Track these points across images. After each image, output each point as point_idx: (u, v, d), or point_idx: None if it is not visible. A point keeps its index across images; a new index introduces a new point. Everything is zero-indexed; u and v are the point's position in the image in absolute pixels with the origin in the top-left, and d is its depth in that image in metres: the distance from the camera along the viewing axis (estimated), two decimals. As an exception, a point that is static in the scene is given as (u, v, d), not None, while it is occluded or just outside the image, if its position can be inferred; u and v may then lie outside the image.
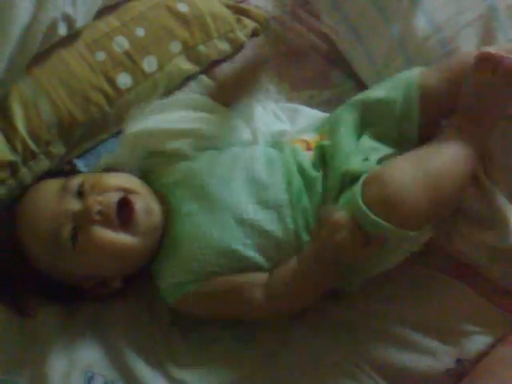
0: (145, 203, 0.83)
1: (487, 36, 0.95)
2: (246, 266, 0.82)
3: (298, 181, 0.85)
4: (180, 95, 1.02)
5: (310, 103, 1.09)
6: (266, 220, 0.83)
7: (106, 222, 0.80)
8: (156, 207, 0.84)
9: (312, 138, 0.92)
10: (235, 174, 0.86)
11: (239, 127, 0.94)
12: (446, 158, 0.81)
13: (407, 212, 0.76)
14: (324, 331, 0.87)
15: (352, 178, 0.82)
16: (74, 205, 0.81)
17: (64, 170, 0.98)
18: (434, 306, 0.87)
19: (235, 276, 0.82)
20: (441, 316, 0.86)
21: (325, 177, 0.85)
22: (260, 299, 0.81)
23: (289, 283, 0.80)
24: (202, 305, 0.84)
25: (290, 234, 0.83)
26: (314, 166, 0.87)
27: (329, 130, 0.90)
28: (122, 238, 0.81)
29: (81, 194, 0.82)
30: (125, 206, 0.82)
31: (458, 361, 0.83)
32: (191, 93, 1.07)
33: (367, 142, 0.86)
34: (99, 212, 0.80)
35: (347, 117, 0.89)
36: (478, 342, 0.83)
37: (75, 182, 0.84)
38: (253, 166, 0.86)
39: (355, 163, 0.83)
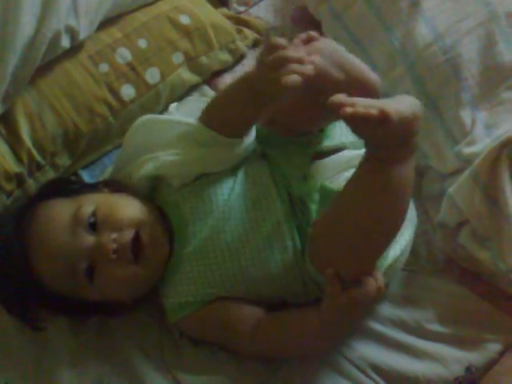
0: (153, 236, 0.83)
1: (488, 43, 0.96)
2: (244, 287, 0.83)
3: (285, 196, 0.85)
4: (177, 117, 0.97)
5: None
6: (264, 240, 0.82)
7: (122, 259, 0.81)
8: (163, 238, 0.85)
9: None
10: (236, 192, 0.85)
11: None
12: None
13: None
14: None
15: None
16: (88, 240, 0.81)
17: (69, 180, 0.98)
18: (444, 312, 0.87)
19: (232, 305, 0.83)
20: (451, 322, 0.86)
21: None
22: (251, 341, 0.83)
23: (297, 332, 0.82)
24: (197, 329, 0.86)
25: (290, 251, 0.83)
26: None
27: None
28: (136, 272, 0.82)
29: (93, 225, 0.82)
30: (136, 239, 0.82)
31: (468, 369, 0.83)
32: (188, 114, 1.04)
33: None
34: (115, 251, 0.80)
35: None
36: (488, 349, 0.83)
37: (87, 211, 0.82)
38: (252, 187, 0.85)
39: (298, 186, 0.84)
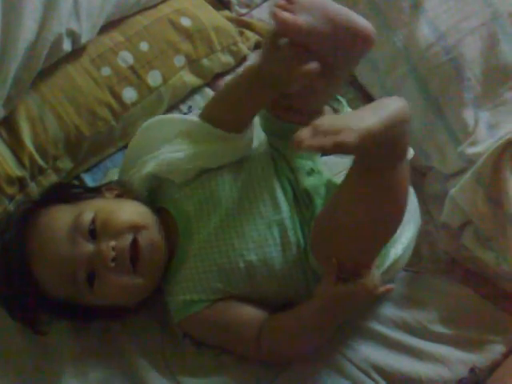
0: (151, 238, 0.83)
1: (491, 43, 0.95)
2: (249, 284, 0.83)
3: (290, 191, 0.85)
4: (178, 116, 0.97)
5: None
6: (267, 235, 0.83)
7: (121, 267, 0.81)
8: (161, 240, 0.85)
9: None
10: (237, 189, 0.85)
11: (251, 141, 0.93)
12: None
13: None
14: (332, 338, 0.86)
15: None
16: (87, 248, 0.81)
17: (71, 184, 0.98)
18: (447, 313, 0.87)
19: (236, 307, 0.83)
20: (454, 323, 0.86)
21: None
22: (256, 345, 0.83)
23: (298, 327, 0.82)
24: (201, 330, 0.86)
25: (293, 247, 0.83)
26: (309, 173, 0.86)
27: None
28: (135, 281, 0.82)
29: (92, 233, 0.82)
30: (134, 245, 0.82)
31: (471, 370, 0.83)
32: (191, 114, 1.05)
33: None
34: (114, 259, 0.80)
35: None
36: (492, 350, 0.83)
37: (86, 218, 0.82)
38: (252, 180, 0.86)
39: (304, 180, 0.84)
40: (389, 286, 0.83)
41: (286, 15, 0.71)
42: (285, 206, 0.83)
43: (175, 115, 0.92)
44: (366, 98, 1.10)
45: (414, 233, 0.88)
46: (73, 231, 0.81)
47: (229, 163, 0.88)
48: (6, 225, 0.87)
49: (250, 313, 0.84)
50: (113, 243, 0.81)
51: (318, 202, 0.83)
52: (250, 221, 0.83)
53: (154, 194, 0.91)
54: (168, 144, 0.87)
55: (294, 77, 0.74)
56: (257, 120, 0.93)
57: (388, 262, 0.83)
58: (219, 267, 0.83)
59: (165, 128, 0.89)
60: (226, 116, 0.84)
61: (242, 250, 0.82)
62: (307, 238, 0.82)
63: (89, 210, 0.83)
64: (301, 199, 0.84)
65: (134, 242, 0.82)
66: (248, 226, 0.83)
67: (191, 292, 0.84)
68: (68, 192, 0.91)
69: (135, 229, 0.82)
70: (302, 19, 0.72)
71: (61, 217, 0.84)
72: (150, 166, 0.87)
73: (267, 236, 0.83)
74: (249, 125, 0.85)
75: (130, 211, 0.85)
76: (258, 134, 0.92)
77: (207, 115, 0.85)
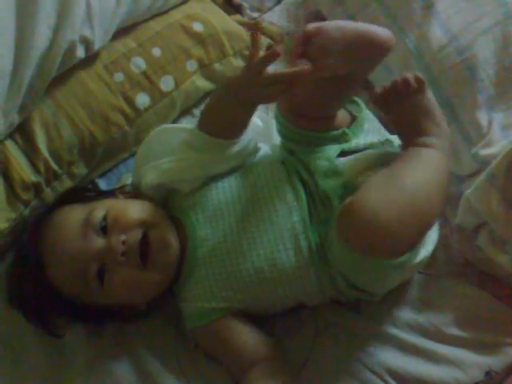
0: (162, 237, 0.84)
1: (504, 43, 0.94)
2: (260, 289, 0.83)
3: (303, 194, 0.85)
4: (180, 126, 0.99)
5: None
6: (278, 240, 0.83)
7: (131, 262, 0.82)
8: (173, 239, 0.85)
9: None
10: (246, 195, 0.86)
11: (257, 144, 0.94)
12: (417, 169, 0.77)
13: (390, 239, 0.69)
14: (346, 342, 0.86)
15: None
16: (98, 243, 0.82)
17: (85, 188, 1.00)
18: (462, 315, 0.86)
19: (241, 329, 0.83)
20: (469, 326, 0.85)
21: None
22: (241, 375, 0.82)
23: None
24: (208, 343, 0.86)
25: (304, 251, 0.82)
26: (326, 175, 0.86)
27: None
28: (146, 276, 0.83)
29: (104, 229, 0.83)
30: (145, 241, 0.83)
31: (487, 373, 0.82)
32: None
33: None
34: (124, 253, 0.81)
35: None
36: (508, 353, 0.82)
37: (98, 215, 0.84)
38: (262, 185, 0.86)
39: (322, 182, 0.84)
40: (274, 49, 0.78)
41: (306, 69, 0.76)
42: (295, 210, 0.83)
43: (177, 125, 0.94)
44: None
45: (437, 236, 0.88)
46: (84, 227, 0.83)
47: (237, 169, 0.89)
48: (22, 228, 0.89)
49: (249, 342, 0.83)
50: (123, 237, 0.82)
51: (336, 203, 0.82)
52: (260, 227, 0.83)
53: (165, 203, 0.92)
54: (168, 154, 0.88)
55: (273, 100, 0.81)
56: (267, 126, 0.94)
57: (417, 260, 0.82)
58: (229, 274, 0.83)
59: (168, 137, 0.90)
60: (218, 125, 0.85)
61: (252, 256, 0.82)
62: (322, 239, 0.82)
63: (101, 208, 0.84)
64: (318, 200, 0.84)
65: (145, 239, 0.82)
66: (258, 232, 0.83)
67: (202, 300, 0.84)
68: (82, 194, 0.93)
69: (145, 225, 0.83)
70: (322, 64, 0.76)
71: (73, 214, 0.86)
72: (152, 176, 0.88)
73: (278, 241, 0.83)
74: (244, 130, 0.87)
75: (142, 209, 0.86)
76: (268, 140, 0.92)
77: (202, 124, 0.87)
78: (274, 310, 0.88)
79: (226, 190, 0.87)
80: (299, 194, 0.84)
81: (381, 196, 0.71)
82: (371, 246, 0.70)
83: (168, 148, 0.89)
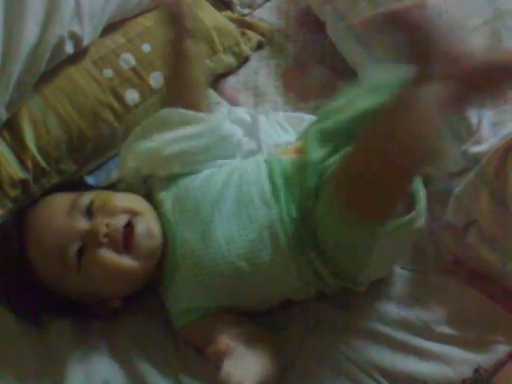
0: (147, 226, 0.84)
1: (494, 40, 0.95)
2: (243, 288, 0.83)
3: (284, 192, 0.84)
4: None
5: (317, 113, 1.08)
6: (256, 239, 0.82)
7: (112, 246, 0.82)
8: (157, 229, 0.85)
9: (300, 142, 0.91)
10: (227, 193, 0.85)
11: (242, 138, 0.94)
12: None
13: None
14: (334, 340, 0.86)
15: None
16: (82, 224, 0.83)
17: (73, 181, 1.00)
18: (450, 312, 0.86)
19: (228, 324, 0.82)
20: (458, 323, 0.85)
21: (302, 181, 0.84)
22: None
23: None
24: (196, 341, 0.85)
25: (284, 249, 0.82)
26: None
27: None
28: (125, 262, 0.82)
29: (89, 212, 0.84)
30: (129, 228, 0.83)
31: (476, 370, 0.82)
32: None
33: None
34: (106, 235, 0.81)
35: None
36: (496, 350, 0.82)
37: (85, 199, 0.85)
38: (243, 184, 0.86)
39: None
40: None
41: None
42: (275, 208, 0.83)
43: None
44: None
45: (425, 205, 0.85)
46: (71, 207, 0.84)
47: (226, 166, 0.89)
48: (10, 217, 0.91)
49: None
50: (107, 220, 0.82)
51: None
52: (238, 225, 0.83)
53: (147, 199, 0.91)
54: (149, 137, 0.90)
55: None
56: (254, 122, 0.94)
57: (422, 205, 0.81)
58: (210, 275, 0.83)
59: (148, 125, 0.92)
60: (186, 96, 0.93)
61: (231, 256, 0.82)
62: (304, 232, 0.82)
63: (88, 195, 0.85)
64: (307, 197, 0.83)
65: (129, 227, 0.83)
66: (237, 230, 0.83)
67: (187, 300, 0.84)
68: (70, 188, 0.92)
69: (131, 213, 0.84)
70: None
71: (61, 198, 0.87)
72: (128, 160, 0.90)
73: (257, 241, 0.82)
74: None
75: (129, 199, 0.87)
76: (255, 136, 0.93)
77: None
78: (261, 306, 0.88)
79: (203, 187, 0.87)
80: (279, 192, 0.84)
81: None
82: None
83: (148, 134, 0.90)
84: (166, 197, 0.88)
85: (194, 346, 0.86)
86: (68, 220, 0.83)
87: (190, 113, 0.90)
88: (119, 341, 0.88)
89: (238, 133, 0.94)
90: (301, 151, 0.87)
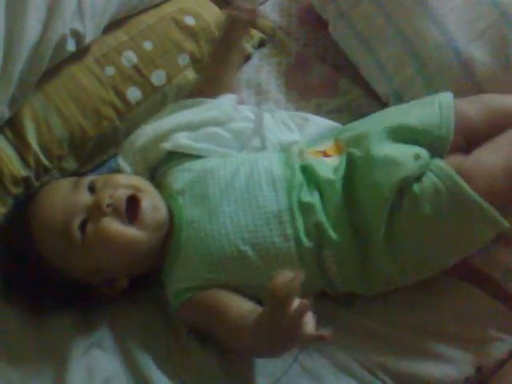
0: (152, 201, 0.85)
1: (500, 44, 0.95)
2: (244, 272, 0.83)
3: (300, 185, 0.85)
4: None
5: (319, 111, 1.08)
6: (263, 226, 0.83)
7: (116, 215, 0.82)
8: (162, 205, 0.86)
9: (327, 146, 0.92)
10: (237, 179, 0.86)
11: (248, 135, 0.95)
12: None
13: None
14: (339, 338, 0.85)
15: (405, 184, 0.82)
16: (86, 198, 0.84)
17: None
18: (452, 311, 0.86)
19: (226, 294, 0.82)
20: (460, 322, 0.85)
21: (350, 183, 0.85)
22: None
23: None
24: (195, 316, 0.85)
25: (290, 239, 0.82)
26: (336, 170, 0.87)
27: (354, 141, 0.90)
28: (130, 231, 0.82)
29: (92, 189, 0.85)
30: (133, 202, 0.84)
31: (478, 369, 0.82)
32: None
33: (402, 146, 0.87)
34: (110, 205, 0.82)
35: (378, 133, 0.88)
36: (498, 349, 0.83)
37: (88, 178, 0.87)
38: (254, 173, 0.87)
39: (408, 166, 0.82)
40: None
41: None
42: (284, 199, 0.84)
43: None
44: (372, 96, 1.10)
45: None
46: (74, 185, 0.85)
47: (236, 156, 0.91)
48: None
49: (238, 304, 0.80)
50: (110, 192, 0.83)
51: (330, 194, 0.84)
52: (246, 210, 0.84)
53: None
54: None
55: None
56: (259, 120, 0.95)
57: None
58: (213, 256, 0.83)
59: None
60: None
61: (236, 239, 0.82)
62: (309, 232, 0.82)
63: (91, 175, 0.88)
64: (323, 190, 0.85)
65: (135, 200, 0.83)
66: (244, 215, 0.83)
67: (187, 281, 0.84)
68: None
69: (135, 189, 0.85)
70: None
71: (64, 181, 0.90)
72: (133, 141, 0.93)
73: (263, 227, 0.83)
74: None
75: (132, 178, 0.90)
76: (259, 134, 0.94)
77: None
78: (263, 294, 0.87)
79: (213, 171, 0.88)
80: (293, 182, 0.85)
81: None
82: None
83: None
84: (175, 179, 0.89)
85: (192, 326, 0.86)
86: (71, 196, 0.84)
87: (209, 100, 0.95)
88: (122, 336, 0.88)
89: (248, 127, 0.95)
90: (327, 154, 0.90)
